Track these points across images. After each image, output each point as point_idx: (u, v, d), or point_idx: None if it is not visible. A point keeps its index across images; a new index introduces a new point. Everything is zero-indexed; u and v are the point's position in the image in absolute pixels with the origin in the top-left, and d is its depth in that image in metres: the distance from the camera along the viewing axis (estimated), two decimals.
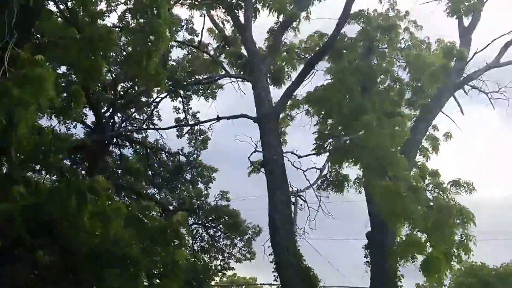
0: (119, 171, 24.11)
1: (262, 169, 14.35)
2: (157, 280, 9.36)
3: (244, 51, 16.81)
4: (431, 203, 9.35)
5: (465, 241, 9.12)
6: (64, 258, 9.51)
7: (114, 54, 18.92)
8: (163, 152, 23.11)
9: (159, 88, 21.26)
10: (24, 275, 9.64)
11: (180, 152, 22.55)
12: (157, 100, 21.13)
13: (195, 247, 22.53)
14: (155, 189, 23.77)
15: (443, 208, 8.84)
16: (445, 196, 9.22)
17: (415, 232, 9.55)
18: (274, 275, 12.55)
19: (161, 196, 23.41)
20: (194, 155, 22.56)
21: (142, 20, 9.90)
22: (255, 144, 13.96)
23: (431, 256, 8.81)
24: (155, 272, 9.16)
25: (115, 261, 8.74)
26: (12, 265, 9.45)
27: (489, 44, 13.91)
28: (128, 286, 8.38)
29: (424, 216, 8.96)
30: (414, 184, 9.21)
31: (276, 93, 16.12)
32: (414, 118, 14.10)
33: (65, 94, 11.61)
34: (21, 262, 9.54)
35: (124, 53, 18.63)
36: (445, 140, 14.82)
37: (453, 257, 9.02)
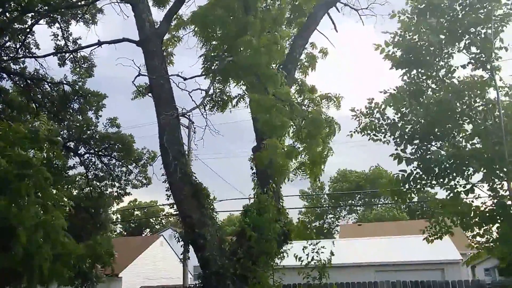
0: (0, 106, 21.98)
1: (149, 94, 13.75)
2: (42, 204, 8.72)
3: None
4: (305, 117, 9.71)
5: (330, 149, 9.73)
6: None
7: None
8: (45, 83, 21.23)
9: (33, 14, 19.15)
10: None
11: (64, 81, 20.89)
12: (31, 25, 19.06)
13: (90, 176, 21.77)
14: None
15: (314, 120, 9.23)
16: (317, 109, 9.60)
17: (292, 142, 10.01)
18: (166, 195, 12.49)
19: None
20: (79, 83, 21.03)
21: None
22: (139, 68, 13.18)
23: (305, 161, 9.36)
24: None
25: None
26: None
27: None
28: (15, 207, 7.79)
29: (298, 128, 9.34)
30: (290, 99, 9.41)
31: (160, 15, 15.19)
32: (292, 37, 14.20)
33: None
34: None
35: None
36: (322, 57, 15.22)
37: (324, 162, 9.66)
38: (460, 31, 8.70)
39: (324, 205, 64.31)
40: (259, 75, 9.87)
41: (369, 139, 9.43)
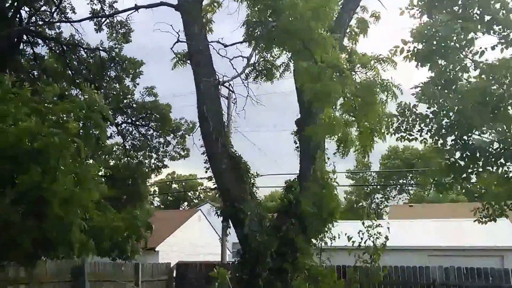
0: (35, 72, 22.81)
1: (188, 61, 13.93)
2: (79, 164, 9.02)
3: None
4: (357, 85, 9.56)
5: (386, 117, 9.65)
6: None
7: None
8: (81, 49, 21.84)
9: None
10: None
11: (100, 47, 21.41)
12: None
13: (127, 146, 22.46)
14: (78, 90, 22.80)
15: (368, 86, 9.10)
16: (371, 75, 9.42)
17: (340, 113, 9.92)
18: (205, 167, 12.74)
19: (85, 97, 22.53)
20: (116, 50, 21.51)
21: None
22: (178, 34, 13.33)
23: (344, 133, 9.36)
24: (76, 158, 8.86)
25: (34, 157, 8.41)
26: None
27: None
28: (48, 177, 8.16)
29: (350, 97, 9.23)
30: (340, 66, 9.26)
31: None
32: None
33: None
34: None
35: None
36: (374, 22, 14.82)
37: (376, 134, 9.59)
38: (477, 13, 8.80)
39: (372, 184, 63.51)
40: (305, 41, 9.76)
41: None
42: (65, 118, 9.32)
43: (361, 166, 58.06)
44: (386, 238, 10.14)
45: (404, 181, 62.32)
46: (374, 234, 9.97)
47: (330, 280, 10.64)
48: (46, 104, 9.30)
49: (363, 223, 10.06)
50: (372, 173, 62.49)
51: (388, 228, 10.22)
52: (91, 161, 9.95)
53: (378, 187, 62.84)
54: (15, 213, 7.84)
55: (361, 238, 10.17)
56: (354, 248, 10.19)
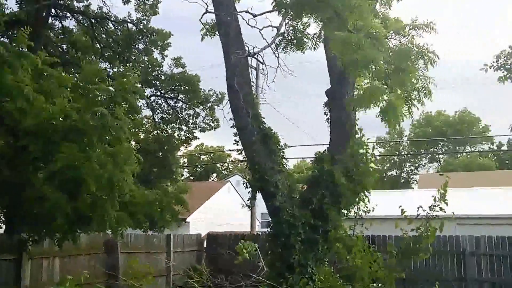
0: (64, 46, 22.89)
1: (216, 32, 13.62)
2: (108, 146, 8.96)
3: None
4: (391, 51, 9.23)
5: (425, 84, 9.26)
6: (14, 139, 9.14)
7: None
8: (109, 21, 21.74)
9: None
10: None
11: (128, 19, 21.27)
12: None
13: (156, 119, 22.50)
14: (106, 63, 22.80)
15: (403, 52, 8.77)
16: (406, 41, 9.09)
17: (375, 81, 9.60)
18: (235, 140, 12.55)
19: (114, 70, 22.58)
20: (144, 22, 21.34)
21: None
22: (206, 4, 13.02)
23: (389, 101, 8.99)
24: (108, 139, 8.80)
25: (64, 135, 8.40)
26: None
27: None
28: (80, 158, 8.14)
29: (382, 64, 8.90)
30: (374, 32, 8.92)
31: None
32: None
33: None
34: None
35: None
36: None
37: (413, 101, 9.29)
38: None
39: (402, 153, 62.75)
40: (338, 8, 9.36)
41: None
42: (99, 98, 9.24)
43: (394, 135, 57.23)
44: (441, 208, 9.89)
45: (435, 150, 61.32)
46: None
47: (361, 248, 10.51)
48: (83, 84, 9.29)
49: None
50: (403, 141, 61.72)
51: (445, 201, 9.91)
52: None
53: (408, 156, 61.98)
54: (50, 190, 7.85)
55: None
56: (388, 218, 9.99)
